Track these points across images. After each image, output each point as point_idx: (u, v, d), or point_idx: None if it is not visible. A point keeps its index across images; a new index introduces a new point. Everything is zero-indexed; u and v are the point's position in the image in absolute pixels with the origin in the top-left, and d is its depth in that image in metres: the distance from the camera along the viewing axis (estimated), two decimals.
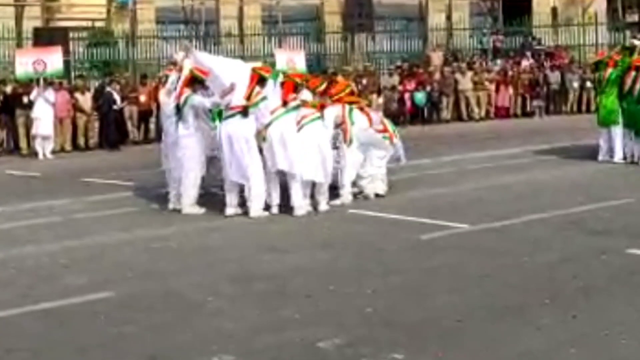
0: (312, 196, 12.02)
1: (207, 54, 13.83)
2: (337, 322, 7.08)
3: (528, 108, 27.47)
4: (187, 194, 12.10)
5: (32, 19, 28.48)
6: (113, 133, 21.75)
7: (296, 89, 12.21)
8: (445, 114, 26.47)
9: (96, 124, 21.97)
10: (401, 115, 24.82)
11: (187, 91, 12.09)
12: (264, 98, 11.80)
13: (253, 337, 6.79)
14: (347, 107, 12.49)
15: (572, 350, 6.32)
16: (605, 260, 8.90)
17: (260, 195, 11.71)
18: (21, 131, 21.02)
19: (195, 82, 12.12)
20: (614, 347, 6.37)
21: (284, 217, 11.64)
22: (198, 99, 12.06)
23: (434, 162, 16.41)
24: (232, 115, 11.75)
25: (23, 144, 21.03)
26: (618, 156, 15.92)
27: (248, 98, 11.74)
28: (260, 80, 11.88)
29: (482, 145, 19.24)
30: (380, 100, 24.60)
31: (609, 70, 16.16)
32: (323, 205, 11.97)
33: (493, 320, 7.09)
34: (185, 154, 12.13)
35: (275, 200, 11.89)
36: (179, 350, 6.59)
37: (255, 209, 11.70)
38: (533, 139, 19.42)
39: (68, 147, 21.40)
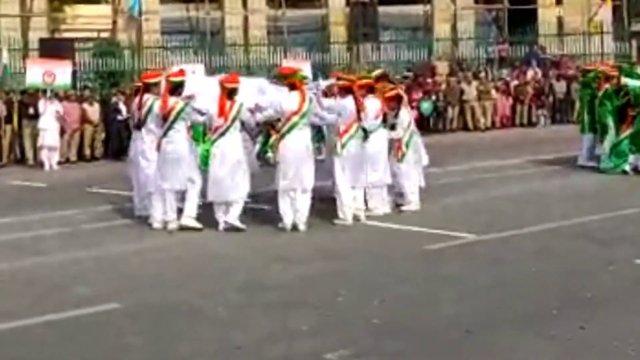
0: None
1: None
2: (345, 333, 7.08)
3: (534, 118, 27.49)
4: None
5: (38, 30, 28.57)
6: (118, 144, 21.76)
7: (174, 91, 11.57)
8: (451, 123, 26.46)
9: (102, 135, 22.01)
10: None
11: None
12: (151, 108, 11.73)
13: (261, 347, 6.78)
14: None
15: None
16: (613, 271, 8.89)
17: (154, 209, 11.69)
18: (27, 142, 21.04)
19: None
20: (622, 358, 6.35)
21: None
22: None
23: (440, 171, 16.36)
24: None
25: (29, 154, 21.06)
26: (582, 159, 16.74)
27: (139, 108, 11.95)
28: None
29: (487, 155, 19.20)
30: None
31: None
32: (221, 225, 11.43)
33: (501, 330, 7.07)
34: None
35: (170, 216, 11.54)
36: None
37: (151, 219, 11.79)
38: (539, 149, 19.39)
39: (73, 157, 21.42)
